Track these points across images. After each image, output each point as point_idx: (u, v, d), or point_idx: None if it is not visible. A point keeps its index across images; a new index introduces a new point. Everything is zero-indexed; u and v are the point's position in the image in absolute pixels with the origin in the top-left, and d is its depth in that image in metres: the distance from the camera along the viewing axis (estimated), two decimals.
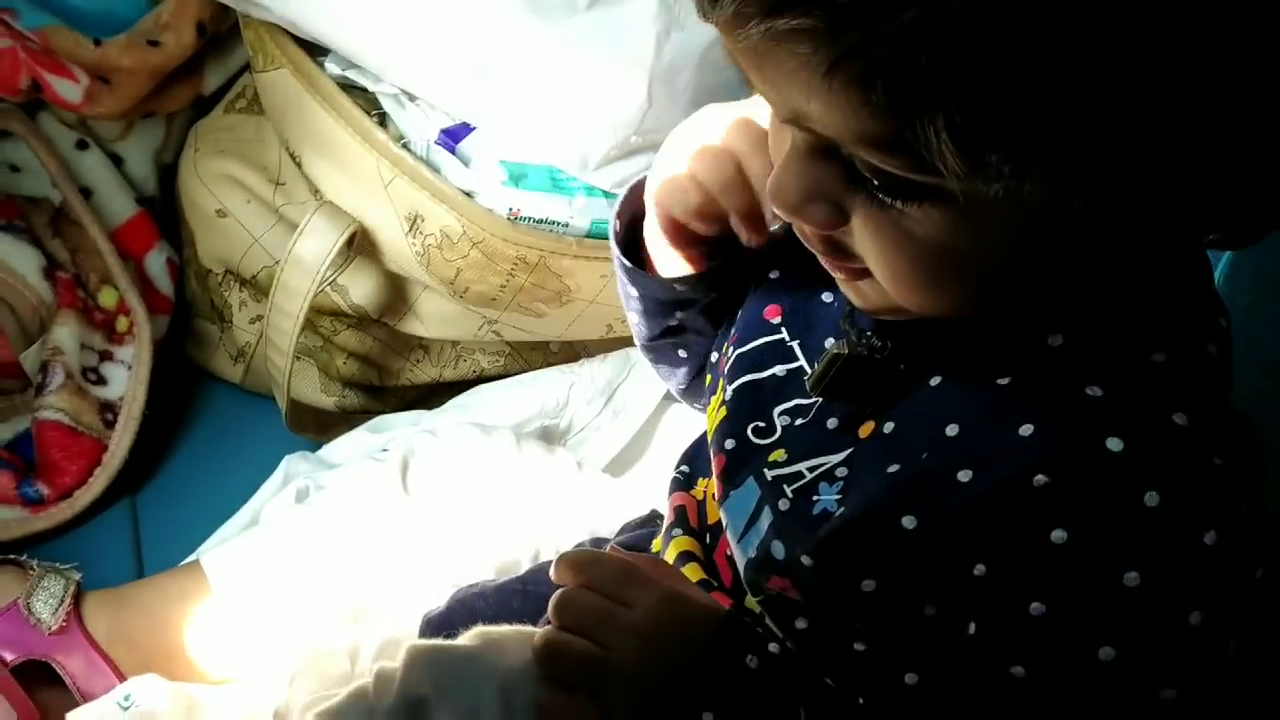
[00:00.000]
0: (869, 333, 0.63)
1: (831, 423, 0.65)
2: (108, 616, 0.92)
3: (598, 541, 0.89)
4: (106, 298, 1.15)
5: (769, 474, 0.65)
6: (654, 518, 0.89)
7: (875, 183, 0.52)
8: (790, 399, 0.67)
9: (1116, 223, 0.52)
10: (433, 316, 1.09)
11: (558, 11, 0.96)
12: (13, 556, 0.96)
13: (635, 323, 0.80)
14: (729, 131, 0.68)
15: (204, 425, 1.17)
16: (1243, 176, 0.51)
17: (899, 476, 0.59)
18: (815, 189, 0.54)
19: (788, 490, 0.64)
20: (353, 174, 1.01)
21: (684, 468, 0.81)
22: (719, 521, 0.71)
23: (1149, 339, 0.58)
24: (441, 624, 0.83)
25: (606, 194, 1.00)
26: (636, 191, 0.75)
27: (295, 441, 1.11)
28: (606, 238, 0.79)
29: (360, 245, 1.04)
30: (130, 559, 1.06)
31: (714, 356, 0.76)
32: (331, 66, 1.02)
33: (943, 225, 0.52)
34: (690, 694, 0.61)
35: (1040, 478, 0.55)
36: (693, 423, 0.82)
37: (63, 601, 0.91)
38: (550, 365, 1.13)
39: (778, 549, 0.63)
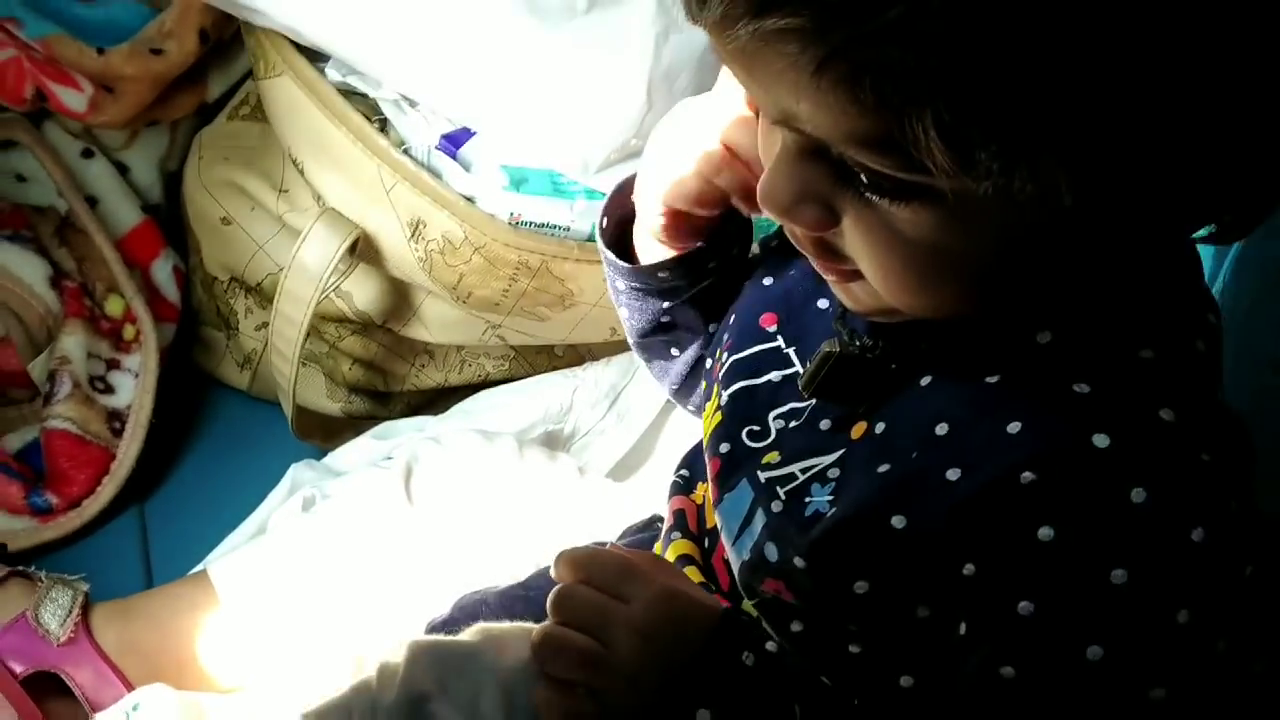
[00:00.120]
0: (861, 332, 0.63)
1: (824, 424, 0.65)
2: (116, 627, 0.93)
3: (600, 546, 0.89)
4: (113, 306, 1.15)
5: (762, 476, 0.65)
6: (655, 522, 0.89)
7: (865, 182, 0.52)
8: (785, 403, 0.67)
9: (1105, 219, 0.52)
10: (436, 321, 1.10)
11: (556, 15, 0.96)
12: (21, 568, 0.97)
13: (626, 318, 0.81)
14: (711, 117, 0.69)
15: (211, 433, 1.18)
16: (1230, 170, 0.51)
17: (889, 476, 0.59)
18: (806, 190, 0.54)
19: (780, 492, 0.64)
20: (354, 180, 1.01)
21: (684, 471, 0.81)
22: (717, 525, 0.71)
23: (1137, 336, 0.58)
24: (445, 630, 0.83)
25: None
26: (623, 190, 0.76)
27: (302, 448, 1.11)
28: None
29: (363, 252, 1.04)
30: (139, 566, 1.07)
31: (708, 362, 0.76)
32: (332, 73, 1.02)
33: (933, 224, 0.51)
34: (687, 691, 0.61)
35: (1027, 475, 0.55)
36: (697, 426, 0.82)
37: (70, 612, 0.92)
38: (555, 368, 1.13)
39: (771, 551, 0.63)
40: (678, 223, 0.73)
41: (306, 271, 1.03)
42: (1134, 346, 0.57)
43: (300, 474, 1.04)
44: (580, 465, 1.01)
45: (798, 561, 0.62)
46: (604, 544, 0.87)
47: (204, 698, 0.90)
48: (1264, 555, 0.56)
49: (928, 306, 0.56)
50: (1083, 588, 0.54)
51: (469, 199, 0.99)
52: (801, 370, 0.68)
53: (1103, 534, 0.54)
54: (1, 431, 1.12)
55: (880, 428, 0.62)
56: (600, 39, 0.96)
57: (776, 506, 0.64)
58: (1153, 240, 0.57)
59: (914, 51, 0.45)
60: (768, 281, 0.73)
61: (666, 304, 0.77)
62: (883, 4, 0.44)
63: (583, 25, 0.96)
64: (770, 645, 0.63)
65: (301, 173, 1.06)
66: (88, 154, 1.18)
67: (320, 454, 1.09)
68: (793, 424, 0.67)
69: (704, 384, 0.76)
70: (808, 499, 0.63)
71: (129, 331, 1.15)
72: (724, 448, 0.69)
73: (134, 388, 1.12)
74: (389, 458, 0.98)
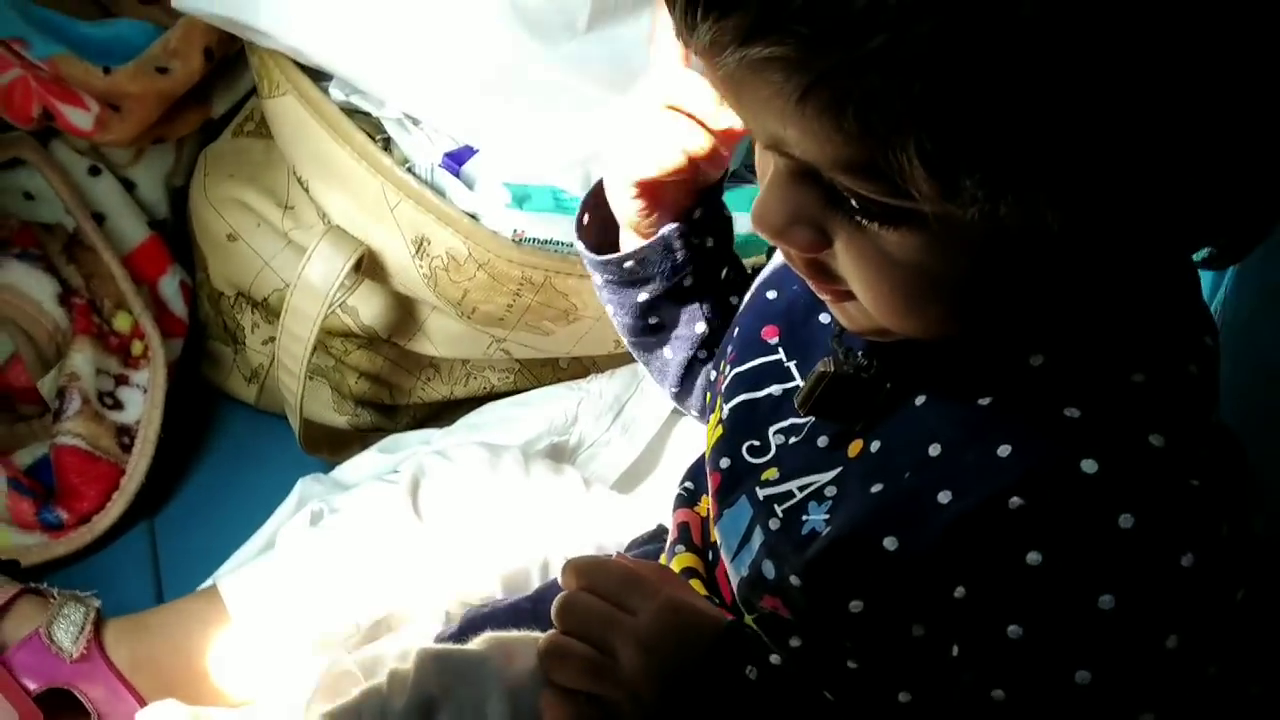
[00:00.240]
0: (857, 352, 0.63)
1: (822, 441, 0.65)
2: (128, 643, 0.94)
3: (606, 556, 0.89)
4: (121, 322, 1.16)
5: (760, 493, 0.66)
6: (661, 533, 0.90)
7: (855, 206, 0.52)
8: (785, 418, 0.68)
9: (1095, 243, 0.52)
10: (442, 336, 1.10)
11: (557, 33, 0.96)
12: (33, 585, 0.97)
13: (612, 314, 0.82)
14: (654, 87, 0.71)
15: (219, 447, 1.19)
16: (1220, 198, 0.51)
17: (882, 496, 0.60)
18: (797, 213, 0.54)
19: (778, 510, 0.64)
20: (359, 198, 1.02)
21: (688, 484, 0.81)
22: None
23: (1130, 359, 0.58)
24: (453, 643, 0.83)
25: None
26: (595, 192, 0.78)
27: (309, 462, 1.12)
28: None
29: (368, 268, 1.05)
30: (149, 581, 1.08)
31: (711, 374, 0.76)
32: (336, 92, 1.03)
33: (922, 248, 0.52)
34: (690, 702, 0.62)
35: (1015, 500, 0.55)
36: (701, 438, 0.83)
37: (83, 629, 0.92)
38: (560, 381, 1.14)
39: (768, 569, 0.64)
40: (651, 201, 0.73)
41: (312, 288, 1.03)
42: (1126, 370, 0.57)
43: (308, 487, 1.05)
44: (586, 477, 1.01)
45: (794, 580, 0.62)
46: (610, 555, 0.88)
47: (216, 713, 0.91)
48: (1258, 577, 0.56)
49: (918, 328, 0.56)
50: (1071, 613, 0.54)
51: (472, 216, 1.00)
52: (802, 385, 0.68)
53: (1090, 559, 0.54)
54: (12, 448, 1.13)
55: (875, 446, 0.62)
56: (601, 56, 0.96)
57: (774, 524, 0.64)
58: (1145, 263, 0.57)
59: (896, 81, 0.45)
60: (771, 295, 0.73)
61: (643, 297, 0.78)
62: (865, 34, 0.45)
63: (583, 44, 0.97)
64: (774, 658, 0.63)
65: (306, 190, 1.07)
66: (94, 171, 1.19)
67: (327, 467, 1.10)
68: (792, 440, 0.67)
69: (708, 396, 0.77)
70: (804, 517, 0.63)
71: (137, 347, 1.16)
72: (724, 462, 0.69)
73: (142, 403, 1.13)
74: (395, 471, 0.99)
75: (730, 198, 1.08)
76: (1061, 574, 0.55)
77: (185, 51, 1.13)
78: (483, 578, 0.93)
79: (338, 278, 1.03)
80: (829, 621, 0.62)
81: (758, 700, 0.62)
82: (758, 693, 0.62)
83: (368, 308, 1.08)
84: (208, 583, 0.99)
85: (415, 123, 1.02)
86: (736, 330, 0.74)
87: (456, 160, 1.02)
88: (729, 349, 0.74)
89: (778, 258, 0.74)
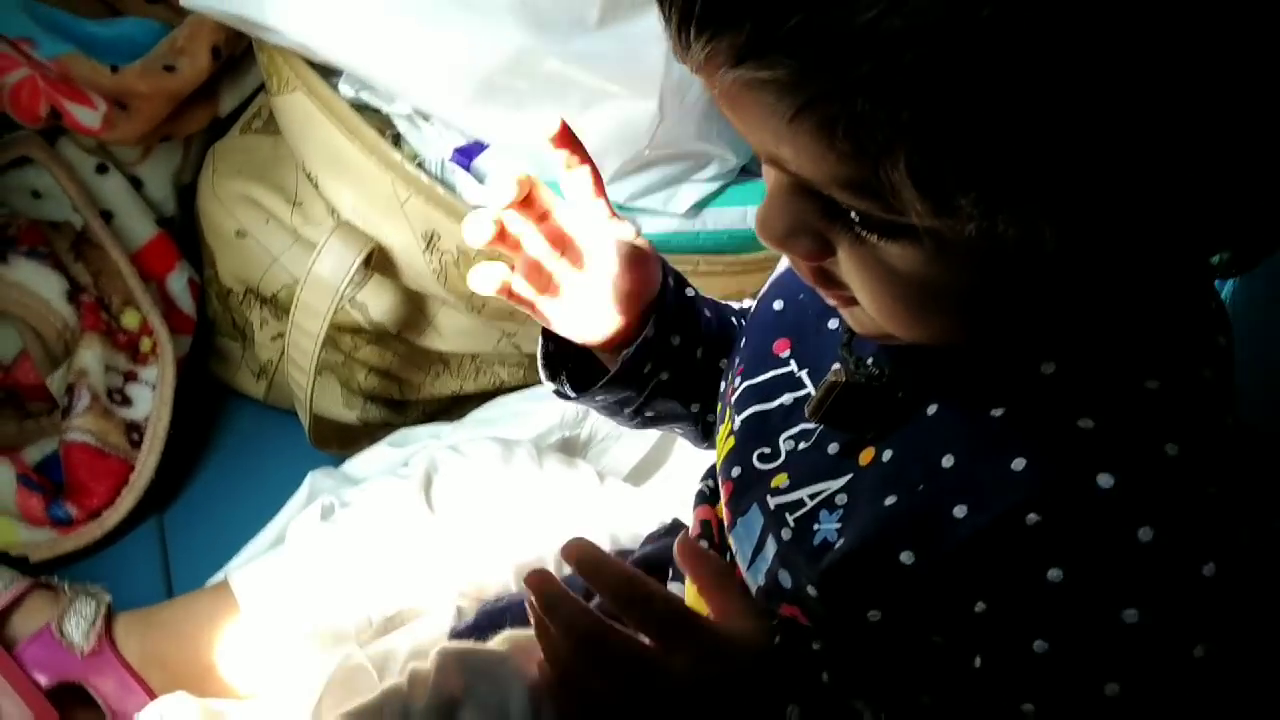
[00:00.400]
0: (867, 360, 0.63)
1: (832, 448, 0.65)
2: (139, 637, 0.94)
3: (621, 553, 0.89)
4: (129, 319, 1.16)
5: (771, 502, 0.65)
6: (676, 527, 0.90)
7: (854, 219, 0.52)
8: (796, 425, 0.67)
9: (1099, 253, 0.51)
10: (452, 331, 1.10)
11: (567, 29, 0.96)
12: (44, 579, 0.98)
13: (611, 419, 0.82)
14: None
15: (228, 442, 1.19)
16: (1218, 212, 0.50)
17: (896, 509, 0.59)
18: (798, 223, 0.54)
19: (789, 519, 0.64)
20: (369, 194, 1.02)
21: (709, 481, 0.80)
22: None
23: (1142, 365, 0.57)
24: (470, 637, 0.83)
25: (621, 208, 1.01)
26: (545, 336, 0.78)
27: (319, 456, 1.13)
28: None
29: (378, 263, 1.05)
30: (159, 576, 1.08)
31: (721, 386, 0.76)
32: (345, 88, 1.03)
33: (923, 260, 0.52)
34: None
35: (1033, 516, 0.55)
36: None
37: (94, 624, 0.93)
38: None
39: (784, 578, 0.64)
40: (601, 341, 0.74)
41: (322, 284, 1.04)
42: (1139, 377, 0.57)
43: (318, 481, 1.05)
44: (598, 470, 1.01)
45: (810, 590, 0.62)
46: (627, 553, 0.88)
47: (226, 705, 0.91)
48: None
49: (922, 336, 0.56)
50: (1096, 628, 0.54)
51: None
52: (813, 392, 0.68)
53: (1112, 575, 0.54)
54: (21, 444, 1.13)
55: (888, 455, 0.61)
56: (612, 52, 0.96)
57: (786, 534, 0.64)
58: (1153, 267, 0.56)
59: (885, 105, 0.45)
60: (779, 306, 0.73)
61: (628, 409, 0.78)
62: (853, 59, 0.45)
63: (594, 39, 0.96)
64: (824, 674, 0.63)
65: (315, 186, 1.07)
66: (102, 169, 1.19)
67: (337, 461, 1.10)
68: (802, 445, 0.67)
69: (719, 406, 0.77)
70: (816, 526, 0.63)
71: (146, 344, 1.16)
72: (735, 471, 0.69)
73: (151, 399, 1.14)
74: (406, 465, 0.99)
75: (740, 192, 1.09)
76: (1084, 591, 0.54)
77: (193, 49, 1.14)
78: (497, 571, 0.93)
79: (348, 273, 1.03)
80: (848, 629, 0.62)
81: None
82: None
83: (378, 303, 1.08)
84: (218, 577, 0.99)
85: (425, 118, 1.02)
86: (744, 341, 0.74)
87: (467, 155, 1.02)
88: (738, 361, 0.73)
89: (783, 264, 0.74)
